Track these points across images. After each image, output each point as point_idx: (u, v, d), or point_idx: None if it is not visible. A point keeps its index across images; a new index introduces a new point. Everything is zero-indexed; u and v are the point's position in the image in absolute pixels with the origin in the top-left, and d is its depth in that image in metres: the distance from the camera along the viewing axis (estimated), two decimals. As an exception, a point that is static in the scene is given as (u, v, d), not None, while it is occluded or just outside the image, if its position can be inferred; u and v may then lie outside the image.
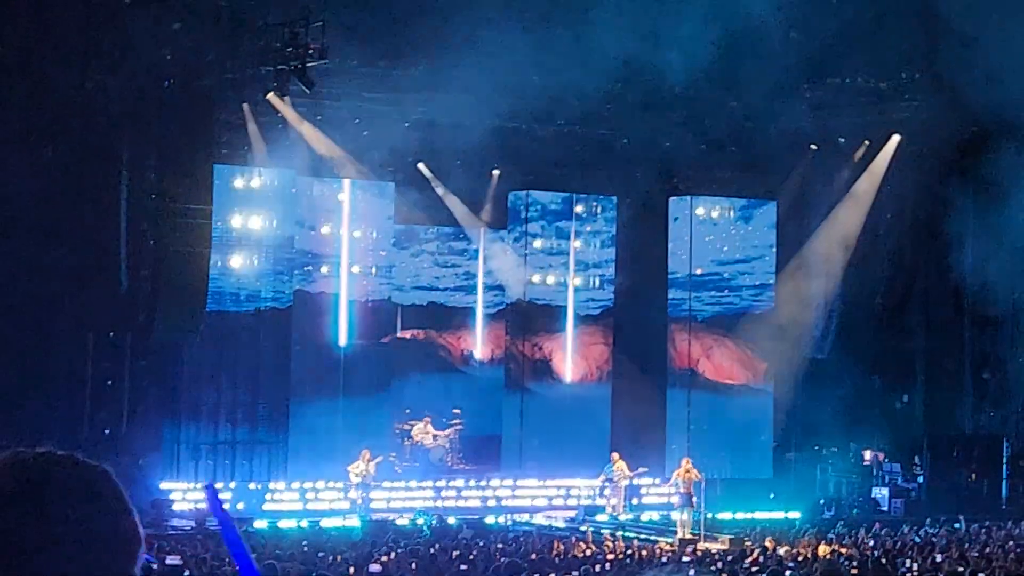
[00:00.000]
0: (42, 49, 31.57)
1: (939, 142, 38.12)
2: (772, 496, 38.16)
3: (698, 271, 40.45)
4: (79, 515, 2.74)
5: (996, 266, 39.78)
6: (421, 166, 38.60)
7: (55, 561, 2.70)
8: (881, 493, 38.19)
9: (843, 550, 27.40)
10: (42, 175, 31.61)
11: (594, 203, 40.42)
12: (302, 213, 36.98)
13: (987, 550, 26.09)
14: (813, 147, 40.25)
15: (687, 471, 33.30)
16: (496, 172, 39.59)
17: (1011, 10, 33.19)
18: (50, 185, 31.63)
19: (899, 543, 28.09)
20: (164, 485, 33.39)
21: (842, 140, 40.48)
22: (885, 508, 37.63)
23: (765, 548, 27.23)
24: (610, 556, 26.20)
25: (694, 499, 33.00)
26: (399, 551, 25.40)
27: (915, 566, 22.87)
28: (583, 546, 28.30)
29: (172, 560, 20.04)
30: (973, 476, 39.13)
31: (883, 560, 23.80)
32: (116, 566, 2.77)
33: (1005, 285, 40.03)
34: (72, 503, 2.75)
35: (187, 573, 19.12)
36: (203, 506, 32.28)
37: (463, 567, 21.92)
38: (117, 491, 2.83)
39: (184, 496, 33.36)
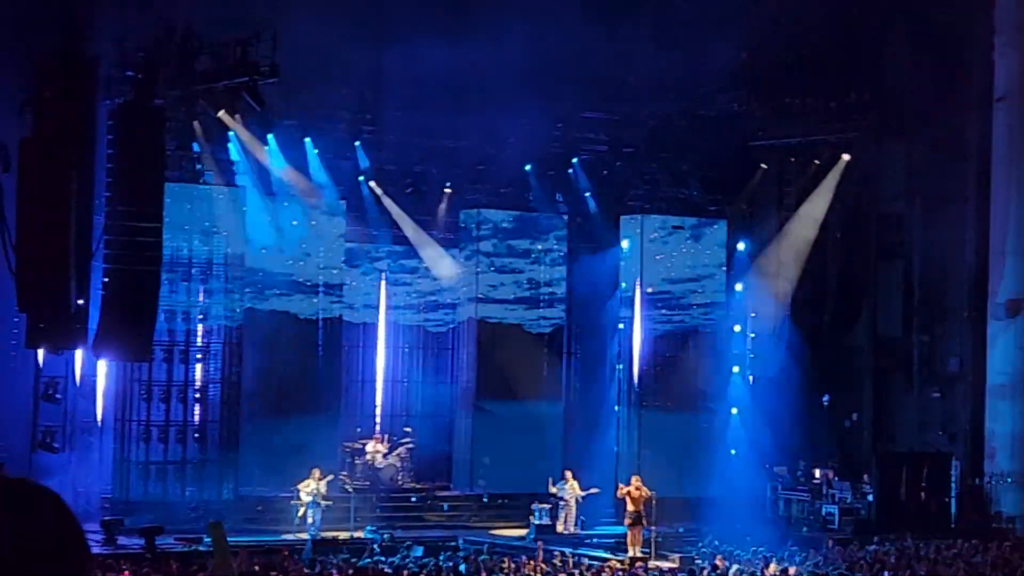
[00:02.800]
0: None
1: (886, 160, 38.41)
2: (722, 515, 38.23)
3: (649, 290, 40.52)
4: (27, 535, 2.77)
5: (945, 284, 40.09)
6: (372, 184, 38.59)
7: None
8: (831, 511, 38.31)
9: (792, 569, 27.51)
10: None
11: (545, 221, 40.46)
12: (252, 231, 36.87)
13: (936, 568, 26.23)
14: (763, 166, 40.45)
15: (637, 489, 33.33)
16: (448, 190, 39.61)
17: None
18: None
19: (849, 561, 28.21)
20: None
21: (792, 159, 40.71)
22: (835, 526, 37.76)
23: (715, 567, 27.31)
24: (561, 575, 26.23)
25: (644, 518, 33.03)
26: (349, 571, 25.37)
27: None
28: (533, 564, 28.31)
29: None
30: (922, 495, 39.30)
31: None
32: None
33: (954, 303, 40.34)
34: (19, 524, 2.77)
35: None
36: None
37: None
38: (65, 512, 2.85)
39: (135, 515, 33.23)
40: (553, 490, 36.03)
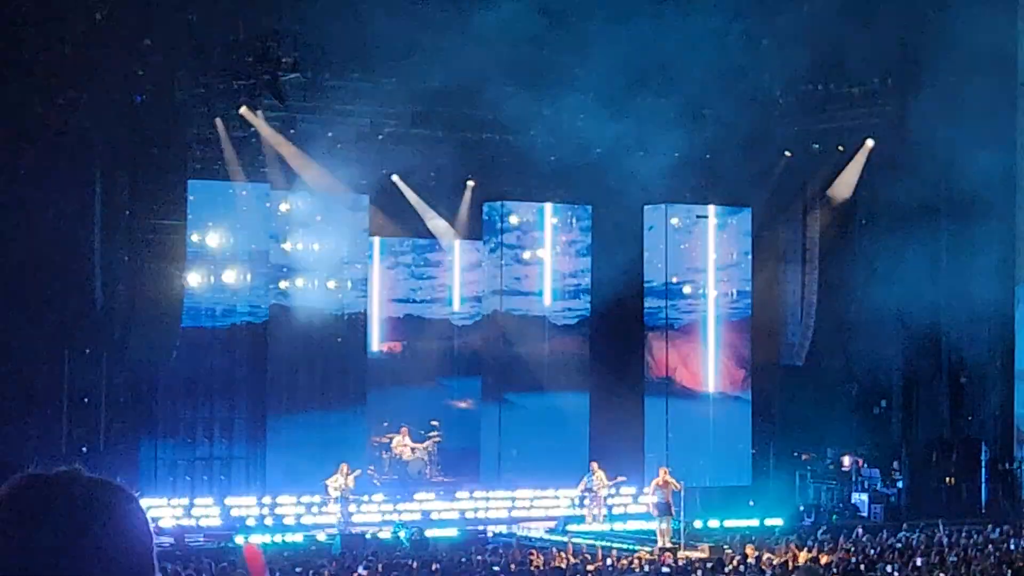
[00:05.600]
0: (13, 65, 31.46)
1: (911, 145, 38.24)
2: (751, 504, 38.18)
3: (674, 279, 40.43)
4: (101, 531, 2.74)
5: (973, 269, 39.88)
6: (395, 178, 38.55)
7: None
8: (860, 499, 38.21)
9: (823, 557, 27.41)
10: (14, 192, 31.50)
11: (569, 213, 40.37)
12: (276, 227, 36.88)
13: (966, 554, 26.11)
14: (787, 153, 40.30)
15: (665, 480, 33.29)
16: (471, 183, 39.54)
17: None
18: (23, 202, 31.51)
19: (879, 548, 28.10)
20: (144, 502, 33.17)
21: (816, 146, 40.56)
22: (865, 514, 37.65)
23: (745, 556, 27.22)
24: (590, 567, 26.17)
25: (672, 508, 32.98)
26: (378, 565, 25.34)
27: (895, 571, 22.88)
28: (563, 557, 28.26)
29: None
30: (952, 480, 39.16)
31: (863, 566, 23.81)
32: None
33: (982, 287, 40.12)
34: (92, 519, 2.75)
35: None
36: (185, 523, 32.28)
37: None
38: (137, 507, 2.83)
39: (163, 513, 33.26)
40: (581, 486, 35.99)
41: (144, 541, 2.80)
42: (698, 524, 34.29)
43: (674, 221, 40.41)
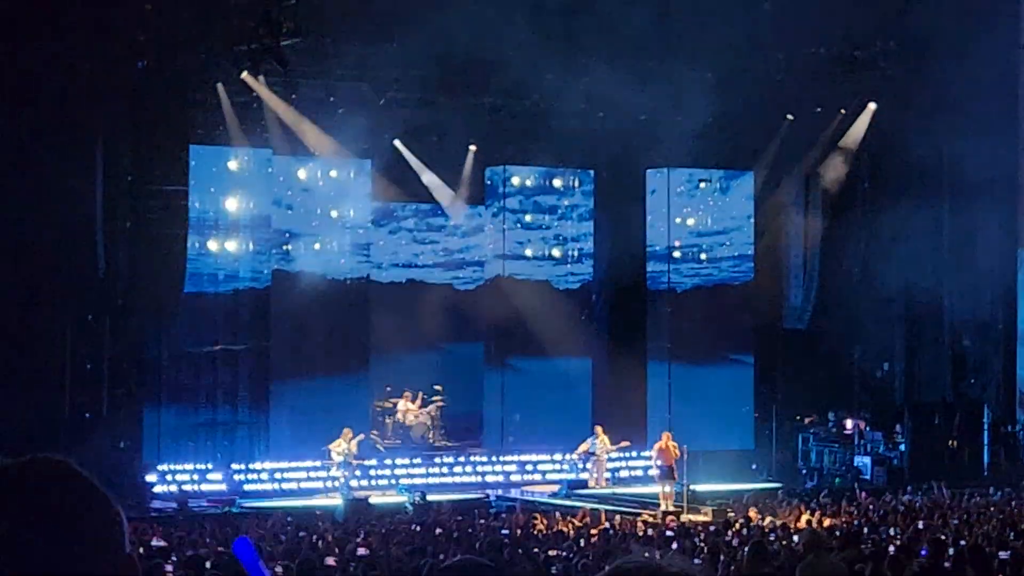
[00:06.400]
0: (13, 31, 31.40)
1: (913, 108, 38.17)
2: (754, 467, 38.26)
3: (676, 243, 40.42)
4: (57, 512, 2.74)
5: (975, 232, 39.88)
6: (397, 143, 38.50)
7: (48, 561, 2.70)
8: (863, 462, 38.27)
9: (826, 520, 27.47)
10: (16, 158, 31.46)
11: (572, 176, 40.34)
12: (279, 192, 36.87)
13: (969, 516, 26.16)
14: (789, 117, 40.22)
15: (668, 444, 33.34)
16: (473, 147, 39.49)
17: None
18: (24, 168, 31.49)
19: (882, 511, 28.16)
20: (148, 477, 33.32)
21: (818, 109, 40.48)
22: (867, 476, 37.71)
23: (748, 519, 27.28)
24: (593, 531, 26.23)
25: (675, 472, 33.05)
26: (381, 530, 25.40)
27: (898, 534, 22.92)
28: (566, 521, 28.32)
29: (157, 543, 20.01)
30: (954, 443, 39.21)
31: (865, 529, 23.85)
32: (108, 550, 2.78)
33: (984, 251, 40.13)
34: (46, 503, 2.74)
35: (173, 556, 19.04)
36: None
37: (446, 544, 21.90)
38: (87, 481, 2.82)
39: (166, 478, 33.37)
40: (584, 447, 36.02)
41: (103, 527, 2.79)
42: (701, 488, 34.35)
43: (677, 185, 40.37)
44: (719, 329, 40.40)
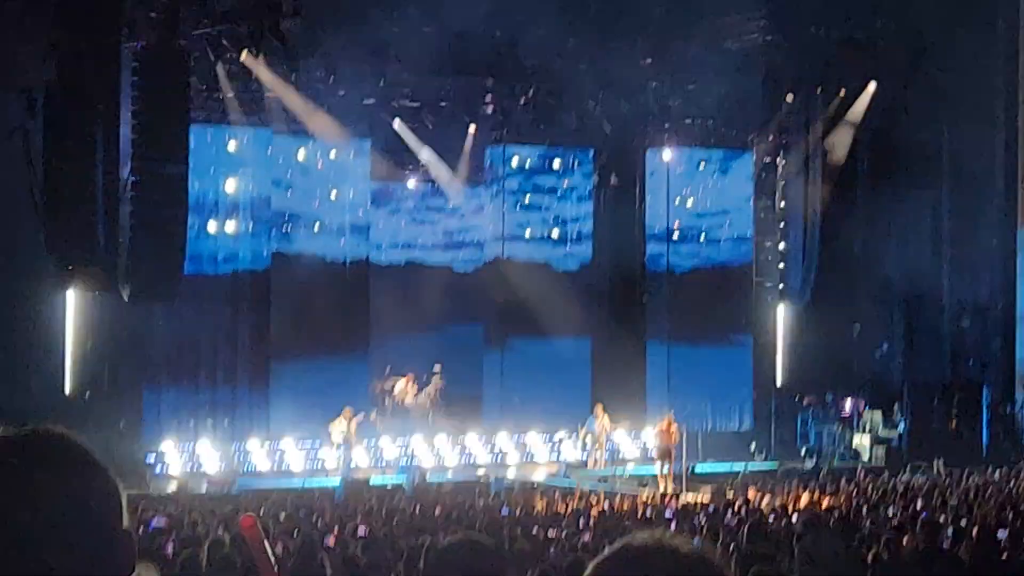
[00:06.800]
0: (12, 10, 31.35)
1: (914, 89, 38.16)
2: (753, 447, 38.31)
3: (676, 223, 40.45)
4: (55, 485, 2.74)
5: (975, 214, 39.88)
6: (397, 123, 38.47)
7: (44, 534, 2.71)
8: (862, 442, 38.31)
9: (824, 499, 27.51)
10: (16, 140, 31.42)
11: (572, 157, 40.34)
12: (278, 173, 36.86)
13: (968, 496, 26.19)
14: (789, 98, 40.18)
15: (668, 426, 33.37)
16: (473, 128, 39.45)
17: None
18: (23, 149, 31.44)
19: (881, 491, 28.19)
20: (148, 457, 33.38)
21: (819, 89, 40.43)
22: (866, 457, 37.76)
23: (747, 500, 27.31)
24: (593, 511, 26.26)
25: (674, 452, 33.10)
26: (381, 509, 25.43)
27: (896, 514, 22.95)
28: (565, 500, 28.36)
29: (158, 522, 20.02)
30: (953, 423, 39.25)
31: (864, 509, 23.88)
32: (105, 524, 2.79)
33: (984, 233, 40.15)
34: (44, 475, 2.75)
35: (173, 534, 19.07)
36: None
37: (445, 523, 21.92)
38: (87, 455, 2.82)
39: (165, 458, 33.43)
40: (583, 432, 36.11)
41: (100, 502, 2.79)
42: (700, 468, 34.41)
43: (676, 165, 40.37)
44: (718, 310, 40.43)
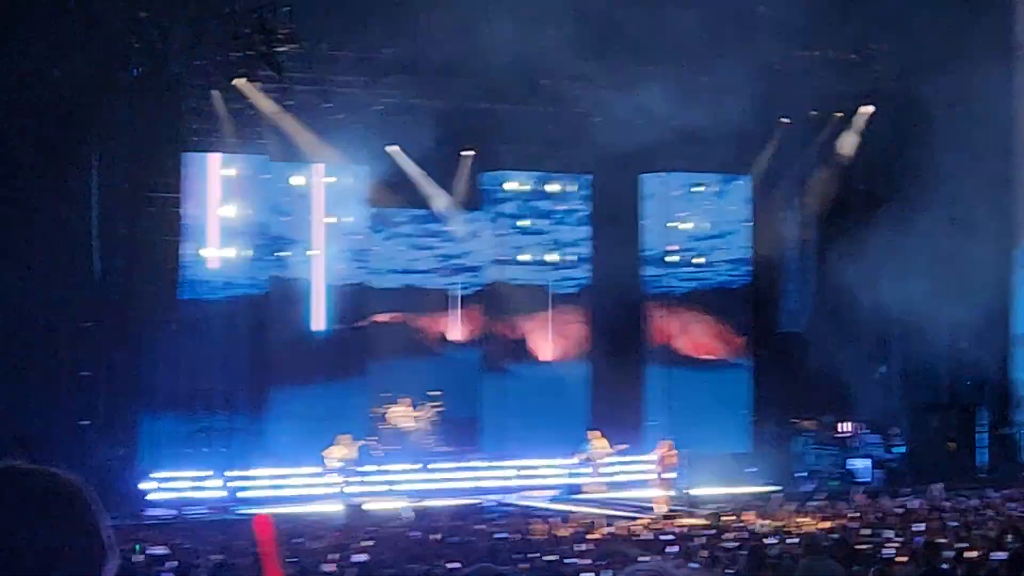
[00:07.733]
0: (7, 36, 31.38)
1: (909, 110, 38.19)
2: (751, 470, 38.24)
3: (673, 247, 40.46)
4: (38, 527, 2.72)
5: (970, 233, 39.86)
6: (394, 149, 38.49)
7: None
8: (860, 464, 38.26)
9: (823, 523, 27.46)
10: (10, 164, 31.45)
11: (568, 182, 40.37)
12: (275, 199, 36.87)
13: (967, 519, 26.14)
14: (785, 120, 40.23)
15: (667, 453, 33.35)
16: (469, 153, 39.48)
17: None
18: (20, 174, 31.47)
19: (880, 514, 28.14)
20: (143, 484, 33.29)
21: (814, 112, 40.49)
22: (865, 479, 37.70)
23: (745, 523, 27.26)
24: (590, 535, 26.20)
25: (672, 476, 33.07)
26: (379, 536, 25.38)
27: (895, 536, 22.91)
28: (564, 525, 28.29)
29: (157, 550, 19.99)
30: (952, 445, 39.20)
31: (863, 532, 23.85)
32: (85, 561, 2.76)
33: (980, 251, 40.11)
34: (31, 514, 2.72)
35: (176, 563, 19.03)
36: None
37: (445, 550, 21.89)
38: (83, 501, 2.79)
39: (162, 485, 33.36)
40: (576, 459, 36.09)
41: (86, 533, 2.77)
42: (698, 491, 34.35)
43: (673, 189, 40.39)
44: (716, 333, 40.42)
